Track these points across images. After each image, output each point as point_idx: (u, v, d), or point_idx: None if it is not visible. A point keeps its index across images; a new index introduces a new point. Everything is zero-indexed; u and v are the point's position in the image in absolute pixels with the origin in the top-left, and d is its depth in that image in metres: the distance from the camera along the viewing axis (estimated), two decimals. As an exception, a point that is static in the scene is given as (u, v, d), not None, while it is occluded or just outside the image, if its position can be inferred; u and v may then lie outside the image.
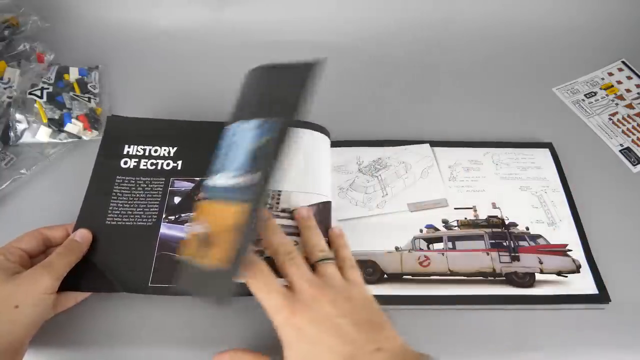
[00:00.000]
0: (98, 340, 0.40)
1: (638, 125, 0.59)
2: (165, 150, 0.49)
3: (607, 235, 0.47)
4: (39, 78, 0.55)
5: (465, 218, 0.48)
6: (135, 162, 0.48)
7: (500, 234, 0.47)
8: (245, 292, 0.36)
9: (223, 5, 0.67)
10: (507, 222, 0.48)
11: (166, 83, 0.61)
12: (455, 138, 0.55)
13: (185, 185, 0.47)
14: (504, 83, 0.63)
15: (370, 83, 0.63)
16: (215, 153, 0.42)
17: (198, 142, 0.49)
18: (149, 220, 0.44)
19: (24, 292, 0.35)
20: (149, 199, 0.46)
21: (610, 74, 0.65)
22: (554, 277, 0.44)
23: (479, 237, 0.46)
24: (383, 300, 0.42)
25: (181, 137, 0.50)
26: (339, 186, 0.50)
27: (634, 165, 0.55)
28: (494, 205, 0.49)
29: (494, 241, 0.46)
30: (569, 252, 0.46)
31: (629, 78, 0.64)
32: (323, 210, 0.45)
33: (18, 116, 0.51)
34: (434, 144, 0.54)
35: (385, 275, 0.44)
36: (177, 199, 0.46)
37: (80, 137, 0.53)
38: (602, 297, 0.43)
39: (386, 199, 0.49)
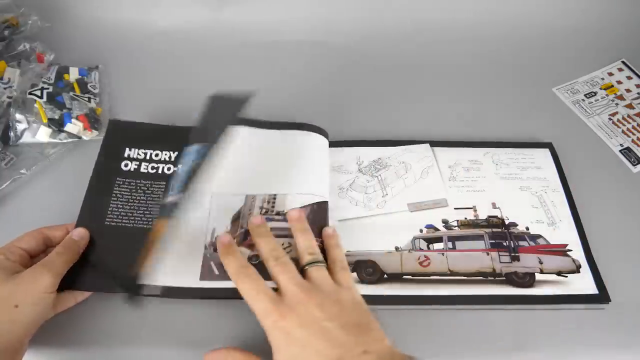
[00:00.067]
0: (98, 340, 0.40)
1: (638, 125, 0.59)
2: (166, 154, 0.49)
3: (607, 235, 0.47)
4: (39, 78, 0.55)
5: (465, 218, 0.48)
6: (135, 165, 0.48)
7: (500, 234, 0.47)
8: (239, 295, 0.37)
9: (222, 5, 0.67)
10: (507, 222, 0.48)
11: (166, 83, 0.61)
12: (455, 138, 0.55)
13: None
14: (504, 83, 0.63)
15: (370, 83, 0.63)
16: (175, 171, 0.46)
17: None
18: (149, 222, 0.45)
19: (24, 291, 0.35)
20: (149, 201, 0.46)
21: (610, 74, 0.65)
22: (554, 277, 0.44)
23: (479, 237, 0.47)
24: (383, 300, 0.42)
25: (182, 143, 0.50)
26: (339, 186, 0.50)
27: (634, 165, 0.55)
28: (494, 205, 0.49)
29: (494, 241, 0.46)
30: (569, 252, 0.46)
31: (629, 78, 0.64)
32: (318, 211, 0.45)
33: (18, 116, 0.51)
34: (434, 144, 0.54)
35: (385, 275, 0.44)
36: None
37: (80, 137, 0.53)
38: (602, 297, 0.43)
39: (386, 199, 0.49)
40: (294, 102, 0.59)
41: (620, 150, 0.56)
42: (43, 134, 0.52)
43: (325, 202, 0.46)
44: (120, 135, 0.50)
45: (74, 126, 0.52)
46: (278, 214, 0.44)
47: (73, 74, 0.58)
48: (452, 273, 0.44)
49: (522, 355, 0.40)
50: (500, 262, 0.45)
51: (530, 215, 0.48)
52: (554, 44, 0.68)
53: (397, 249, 0.46)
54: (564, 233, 0.47)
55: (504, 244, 0.46)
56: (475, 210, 0.49)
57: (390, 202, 0.49)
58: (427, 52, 0.66)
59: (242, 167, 0.48)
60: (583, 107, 0.61)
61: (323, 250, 0.42)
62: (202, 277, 0.41)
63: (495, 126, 0.57)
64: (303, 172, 0.48)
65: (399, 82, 0.63)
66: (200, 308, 0.41)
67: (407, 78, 0.63)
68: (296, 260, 0.40)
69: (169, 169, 0.48)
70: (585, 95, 0.62)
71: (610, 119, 0.59)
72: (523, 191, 0.50)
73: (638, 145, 0.56)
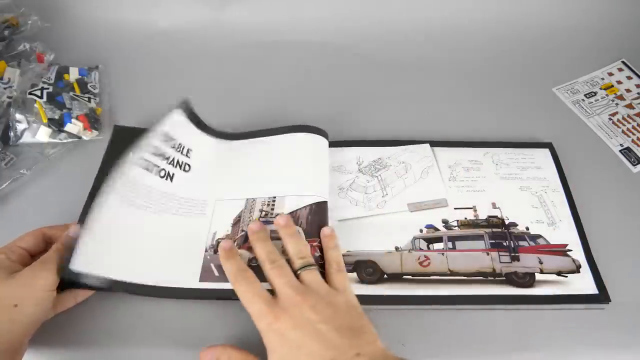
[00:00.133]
0: (98, 340, 0.40)
1: (638, 125, 0.59)
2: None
3: (607, 235, 0.47)
4: (39, 78, 0.55)
5: (465, 218, 0.48)
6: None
7: (500, 234, 0.47)
8: (238, 296, 0.38)
9: (223, 5, 0.67)
10: (507, 222, 0.48)
11: (166, 83, 0.61)
12: (455, 138, 0.55)
13: None
14: (504, 83, 0.63)
15: (370, 83, 0.63)
16: None
17: None
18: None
19: (23, 290, 0.35)
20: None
21: (610, 74, 0.65)
22: (554, 277, 0.44)
23: (479, 237, 0.46)
24: (383, 300, 0.42)
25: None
26: (339, 186, 0.50)
27: (634, 165, 0.55)
28: (494, 205, 0.49)
29: (494, 241, 0.46)
30: (569, 252, 0.46)
31: (629, 78, 0.64)
32: (318, 211, 0.45)
33: (18, 116, 0.51)
34: (434, 144, 0.54)
35: (385, 275, 0.44)
36: None
37: (80, 137, 0.53)
38: (602, 297, 0.43)
39: (386, 199, 0.49)
40: (294, 102, 0.59)
41: (620, 150, 0.56)
42: (43, 134, 0.52)
43: (325, 202, 0.46)
44: (125, 141, 0.49)
45: (74, 126, 0.52)
46: (277, 216, 0.45)
47: (73, 74, 0.58)
48: (452, 273, 0.44)
49: (522, 355, 0.40)
50: (500, 262, 0.45)
51: (530, 215, 0.48)
52: (554, 44, 0.68)
53: (397, 249, 0.46)
54: (564, 233, 0.47)
55: (504, 244, 0.46)
56: (475, 210, 0.49)
57: (390, 202, 0.49)
58: (427, 52, 0.67)
59: (243, 173, 0.49)
60: (583, 107, 0.61)
61: (322, 250, 0.43)
62: (202, 279, 0.42)
63: (495, 126, 0.57)
64: (303, 172, 0.48)
65: (399, 82, 0.63)
66: (199, 309, 0.41)
67: (407, 78, 0.63)
68: None
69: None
70: (585, 95, 0.62)
71: (610, 119, 0.59)
72: (523, 191, 0.50)
73: (638, 145, 0.56)
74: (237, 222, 0.45)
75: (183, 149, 0.49)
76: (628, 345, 0.41)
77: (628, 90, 0.63)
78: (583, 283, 0.44)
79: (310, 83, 0.62)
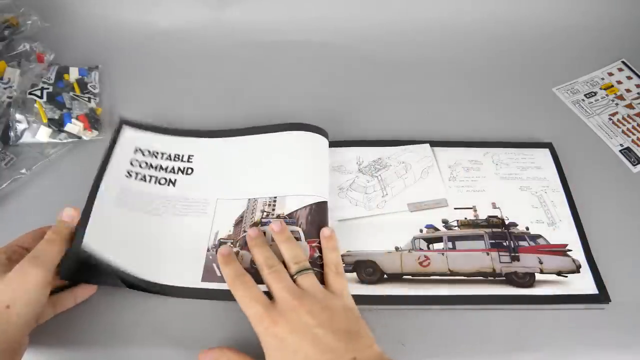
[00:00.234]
0: (98, 340, 0.40)
1: (638, 125, 0.59)
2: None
3: (607, 235, 0.47)
4: (39, 78, 0.55)
5: (465, 218, 0.48)
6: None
7: (500, 234, 0.47)
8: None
9: (223, 5, 0.67)
10: (507, 222, 0.48)
11: (166, 83, 0.61)
12: (455, 138, 0.55)
13: None
14: (504, 83, 0.63)
15: (370, 83, 0.63)
16: None
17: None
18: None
19: (14, 290, 0.34)
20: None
21: (610, 74, 0.65)
22: (554, 277, 0.44)
23: (479, 237, 0.46)
24: (383, 300, 0.42)
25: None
26: (339, 186, 0.50)
27: (634, 165, 0.55)
28: (494, 205, 0.49)
29: (494, 241, 0.46)
30: (569, 252, 0.46)
31: (629, 78, 0.64)
32: (318, 211, 0.45)
33: (18, 116, 0.51)
34: (434, 144, 0.54)
35: (385, 275, 0.44)
36: None
37: (80, 137, 0.53)
38: (602, 297, 0.43)
39: (386, 199, 0.49)
40: (295, 102, 0.59)
41: (620, 150, 0.56)
42: (43, 134, 0.52)
43: (325, 202, 0.46)
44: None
45: (74, 126, 0.52)
46: (279, 216, 0.45)
47: (73, 74, 0.58)
48: (452, 273, 0.44)
49: (522, 355, 0.40)
50: (500, 262, 0.45)
51: (530, 215, 0.48)
52: (554, 44, 0.68)
53: (397, 249, 0.46)
54: (564, 233, 0.47)
55: (504, 244, 0.46)
56: (475, 210, 0.49)
57: (390, 202, 0.49)
58: (427, 52, 0.66)
59: (245, 172, 0.49)
60: (583, 107, 0.61)
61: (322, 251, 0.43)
62: (204, 279, 0.42)
63: (495, 126, 0.57)
64: (303, 172, 0.48)
65: (399, 82, 0.63)
66: (200, 309, 0.41)
67: (407, 78, 0.63)
68: None
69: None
70: (585, 95, 0.62)
71: (610, 119, 0.59)
72: (523, 191, 0.50)
73: (638, 145, 0.56)
74: (239, 222, 0.45)
75: (184, 156, 0.51)
76: (628, 345, 0.41)
77: (628, 90, 0.63)
78: (583, 283, 0.44)
79: (310, 83, 0.62)
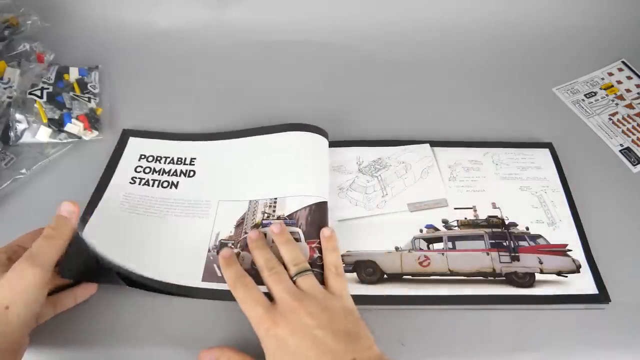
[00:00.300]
0: (98, 339, 0.40)
1: (638, 125, 0.59)
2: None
3: (607, 235, 0.47)
4: (39, 78, 0.55)
5: (465, 218, 0.48)
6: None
7: (500, 234, 0.47)
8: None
9: (223, 5, 0.67)
10: (507, 222, 0.48)
11: (166, 83, 0.61)
12: (455, 138, 0.55)
13: None
14: (504, 83, 0.63)
15: (370, 83, 0.63)
16: None
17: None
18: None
19: (11, 290, 0.34)
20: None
21: (610, 74, 0.65)
22: (554, 277, 0.44)
23: (479, 237, 0.46)
24: (383, 300, 0.42)
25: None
26: (339, 186, 0.50)
27: (634, 165, 0.54)
28: (494, 205, 0.49)
29: (494, 241, 0.46)
30: (569, 252, 0.46)
31: (629, 78, 0.64)
32: (317, 211, 0.45)
33: (18, 116, 0.51)
34: (434, 144, 0.54)
35: (385, 275, 0.44)
36: None
37: (80, 137, 0.53)
38: (602, 297, 0.43)
39: (386, 199, 0.49)
40: (295, 102, 0.59)
41: (620, 150, 0.56)
42: (43, 134, 0.52)
43: (325, 203, 0.46)
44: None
45: (74, 126, 0.52)
46: (279, 217, 0.45)
47: (73, 74, 0.58)
48: (452, 273, 0.44)
49: (522, 355, 0.40)
50: (500, 262, 0.45)
51: (530, 215, 0.48)
52: (554, 44, 0.68)
53: (397, 249, 0.46)
54: (564, 233, 0.47)
55: (504, 244, 0.46)
56: (475, 210, 0.49)
57: (390, 202, 0.49)
58: (427, 52, 0.66)
59: (245, 174, 0.50)
60: (583, 107, 0.61)
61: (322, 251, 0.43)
62: (205, 278, 0.42)
63: (495, 126, 0.57)
64: (303, 173, 0.48)
65: (399, 82, 0.63)
66: (200, 309, 0.41)
67: (407, 78, 0.63)
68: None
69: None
70: (585, 95, 0.62)
71: (610, 119, 0.59)
72: (523, 191, 0.50)
73: (638, 145, 0.56)
74: (240, 223, 0.46)
75: (186, 159, 0.51)
76: (628, 345, 0.41)
77: (628, 90, 0.63)
78: (583, 283, 0.44)
79: (310, 83, 0.62)
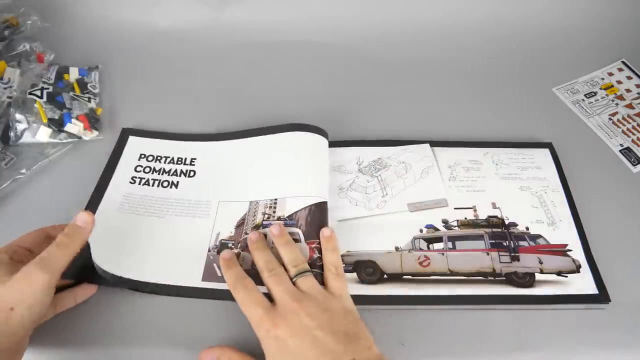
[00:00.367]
0: (98, 340, 0.40)
1: (638, 125, 0.59)
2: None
3: (607, 235, 0.47)
4: (39, 78, 0.55)
5: (465, 218, 0.48)
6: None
7: (500, 234, 0.47)
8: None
9: (223, 5, 0.67)
10: (507, 222, 0.48)
11: (166, 83, 0.61)
12: (455, 138, 0.55)
13: None
14: (504, 83, 0.63)
15: (370, 83, 0.63)
16: None
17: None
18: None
19: (18, 292, 0.34)
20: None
21: (610, 74, 0.65)
22: (554, 277, 0.44)
23: (479, 237, 0.46)
24: (383, 300, 0.42)
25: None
26: (339, 186, 0.50)
27: (634, 165, 0.54)
28: (494, 205, 0.49)
29: (494, 241, 0.46)
30: (569, 252, 0.46)
31: (629, 78, 0.64)
32: (317, 211, 0.45)
33: (18, 116, 0.51)
34: (434, 144, 0.54)
35: (385, 275, 0.44)
36: None
37: (80, 137, 0.53)
38: (602, 297, 0.43)
39: (386, 199, 0.49)
40: (294, 102, 0.59)
41: (620, 150, 0.56)
42: (43, 134, 0.52)
43: (325, 203, 0.46)
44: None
45: (74, 126, 0.52)
46: (279, 218, 0.45)
47: (73, 74, 0.58)
48: (452, 273, 0.44)
49: (522, 355, 0.40)
50: (500, 262, 0.45)
51: (530, 215, 0.48)
52: (554, 44, 0.68)
53: (397, 249, 0.46)
54: (564, 233, 0.47)
55: (504, 244, 0.46)
56: (475, 210, 0.49)
57: (390, 202, 0.49)
58: (427, 52, 0.66)
59: (246, 175, 0.50)
60: (583, 107, 0.61)
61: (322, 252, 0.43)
62: (204, 278, 0.42)
63: (495, 126, 0.57)
64: (303, 173, 0.48)
65: (399, 82, 0.63)
66: (200, 308, 0.41)
67: (407, 78, 0.63)
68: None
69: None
70: (585, 95, 0.62)
71: (610, 119, 0.59)
72: (523, 191, 0.50)
73: (638, 145, 0.56)
74: (240, 224, 0.46)
75: (186, 159, 0.51)
76: (628, 345, 0.41)
77: (628, 90, 0.63)
78: (583, 283, 0.44)
79: (311, 83, 0.62)
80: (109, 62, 0.62)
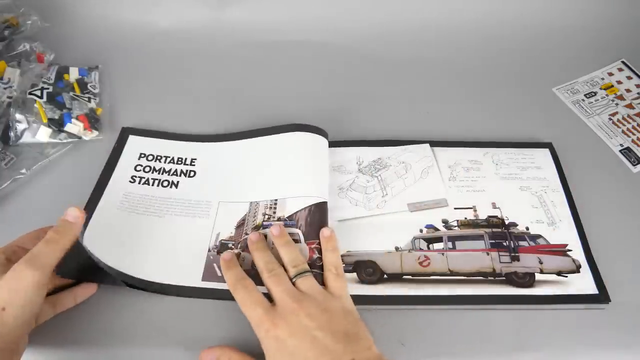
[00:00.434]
0: (98, 340, 0.40)
1: (638, 125, 0.59)
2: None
3: (607, 235, 0.47)
4: (39, 78, 0.55)
5: (465, 218, 0.48)
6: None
7: (500, 234, 0.47)
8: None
9: (223, 5, 0.67)
10: (507, 222, 0.48)
11: (166, 83, 0.61)
12: (455, 138, 0.55)
13: None
14: (504, 83, 0.63)
15: (370, 83, 0.63)
16: None
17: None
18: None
19: (9, 291, 0.33)
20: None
21: (610, 74, 0.65)
22: (554, 277, 0.44)
23: (479, 237, 0.46)
24: (383, 300, 0.42)
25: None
26: (339, 186, 0.50)
27: (634, 165, 0.55)
28: (494, 205, 0.49)
29: (494, 241, 0.46)
30: (569, 252, 0.46)
31: (629, 78, 0.64)
32: (317, 211, 0.45)
33: (18, 116, 0.51)
34: (434, 144, 0.54)
35: (385, 275, 0.44)
36: None
37: (80, 137, 0.53)
38: (602, 297, 0.43)
39: (386, 199, 0.49)
40: (294, 102, 0.59)
41: (620, 150, 0.56)
42: (43, 134, 0.52)
43: (325, 203, 0.46)
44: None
45: (74, 126, 0.52)
46: (279, 219, 0.45)
47: (73, 74, 0.58)
48: (452, 273, 0.44)
49: (522, 355, 0.40)
50: (500, 262, 0.45)
51: (530, 215, 0.48)
52: (554, 44, 0.68)
53: (397, 249, 0.46)
54: (564, 233, 0.47)
55: (504, 244, 0.46)
56: (475, 210, 0.49)
57: (390, 202, 0.49)
58: (427, 52, 0.66)
59: (246, 176, 0.50)
60: (583, 107, 0.61)
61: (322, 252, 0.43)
62: (204, 278, 0.42)
63: (495, 126, 0.57)
64: (303, 173, 0.48)
65: (399, 82, 0.63)
66: (200, 308, 0.41)
67: (407, 78, 0.63)
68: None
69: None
70: (585, 95, 0.62)
71: (610, 119, 0.59)
72: (523, 191, 0.50)
73: (638, 145, 0.56)
74: (241, 224, 0.46)
75: (186, 159, 0.51)
76: (628, 345, 0.41)
77: (628, 90, 0.63)
78: (583, 283, 0.44)
79: (311, 83, 0.62)
80: (109, 62, 0.62)
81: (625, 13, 0.70)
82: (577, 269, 0.45)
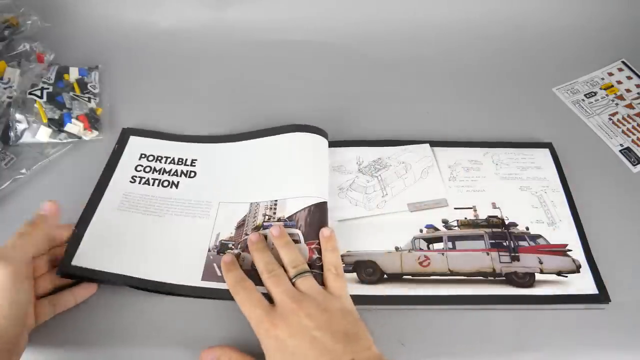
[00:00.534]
0: (98, 340, 0.40)
1: (638, 125, 0.59)
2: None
3: (607, 235, 0.47)
4: (39, 78, 0.55)
5: (465, 218, 0.48)
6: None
7: (500, 234, 0.47)
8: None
9: (223, 5, 0.67)
10: (507, 222, 0.48)
11: (166, 83, 0.61)
12: (455, 138, 0.55)
13: None
14: (504, 83, 0.63)
15: (370, 83, 0.63)
16: None
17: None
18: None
19: None
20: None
21: (610, 74, 0.65)
22: (554, 277, 0.44)
23: (479, 237, 0.46)
24: (383, 300, 0.42)
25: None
26: (339, 186, 0.50)
27: (634, 165, 0.55)
28: (494, 205, 0.49)
29: (494, 241, 0.46)
30: (569, 252, 0.46)
31: (629, 78, 0.64)
32: (317, 212, 0.45)
33: (18, 116, 0.51)
34: (434, 144, 0.54)
35: (385, 275, 0.44)
36: None
37: (80, 137, 0.53)
38: (602, 297, 0.43)
39: (386, 199, 0.49)
40: (294, 102, 0.59)
41: (620, 150, 0.56)
42: (43, 134, 0.52)
43: (324, 203, 0.46)
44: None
45: (74, 126, 0.52)
46: (279, 219, 0.45)
47: (73, 74, 0.58)
48: (452, 273, 0.44)
49: (522, 355, 0.40)
50: (500, 262, 0.45)
51: (530, 215, 0.48)
52: (554, 44, 0.68)
53: (397, 249, 0.46)
54: (564, 233, 0.47)
55: (504, 244, 0.46)
56: (475, 210, 0.49)
57: (390, 202, 0.49)
58: (427, 52, 0.66)
59: (246, 176, 0.50)
60: (583, 107, 0.61)
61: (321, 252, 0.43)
62: (204, 277, 0.42)
63: (495, 126, 0.57)
64: (303, 174, 0.48)
65: (399, 82, 0.63)
66: (200, 308, 0.41)
67: (407, 78, 0.63)
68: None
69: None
70: (585, 95, 0.62)
71: (610, 119, 0.59)
72: (523, 191, 0.50)
73: (638, 145, 0.56)
74: (241, 225, 0.46)
75: (187, 160, 0.51)
76: (628, 345, 0.41)
77: (628, 90, 0.63)
78: (583, 283, 0.44)
79: (311, 83, 0.62)
80: (109, 62, 0.62)
81: (625, 13, 0.70)
82: (577, 269, 0.45)
